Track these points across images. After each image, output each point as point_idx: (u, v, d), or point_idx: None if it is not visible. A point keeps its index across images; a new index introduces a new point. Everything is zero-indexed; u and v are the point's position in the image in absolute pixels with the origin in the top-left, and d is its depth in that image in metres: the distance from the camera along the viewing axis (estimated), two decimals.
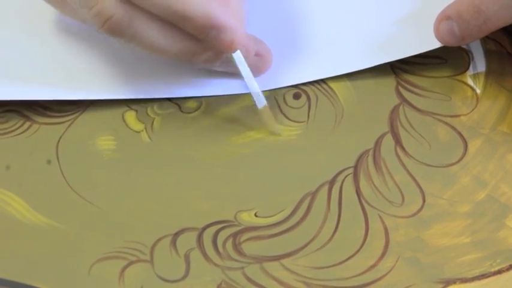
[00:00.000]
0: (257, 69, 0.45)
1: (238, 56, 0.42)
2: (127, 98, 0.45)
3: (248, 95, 0.44)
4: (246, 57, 0.43)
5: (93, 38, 0.46)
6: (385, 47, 0.46)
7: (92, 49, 0.46)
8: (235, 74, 0.44)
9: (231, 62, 0.43)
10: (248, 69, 0.43)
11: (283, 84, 0.46)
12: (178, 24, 0.40)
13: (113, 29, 0.40)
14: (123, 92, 0.45)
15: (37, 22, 0.47)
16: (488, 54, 0.47)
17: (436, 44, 0.45)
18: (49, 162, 0.43)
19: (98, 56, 0.46)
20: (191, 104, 0.45)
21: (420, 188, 0.41)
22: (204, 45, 0.42)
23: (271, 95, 0.45)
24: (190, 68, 0.45)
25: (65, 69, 0.46)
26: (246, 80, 0.43)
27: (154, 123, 0.44)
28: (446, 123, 0.44)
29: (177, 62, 0.44)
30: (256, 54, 0.45)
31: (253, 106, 0.44)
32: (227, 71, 0.45)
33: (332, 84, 0.46)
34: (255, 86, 0.43)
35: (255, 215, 0.41)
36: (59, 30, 0.47)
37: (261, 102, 0.43)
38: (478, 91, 0.45)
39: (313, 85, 0.46)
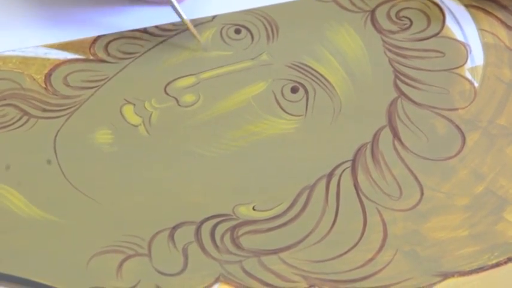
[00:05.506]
0: None
1: None
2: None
3: (245, 90, 0.44)
4: None
5: None
6: None
7: None
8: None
9: None
10: None
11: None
12: None
13: None
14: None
15: None
16: (486, 47, 0.47)
17: None
18: (49, 162, 0.43)
19: None
20: (189, 98, 0.45)
21: (418, 181, 0.41)
22: None
23: (269, 88, 0.45)
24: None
25: None
26: None
27: (152, 117, 0.44)
28: (444, 116, 0.44)
29: None
30: None
31: (250, 100, 0.44)
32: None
33: (330, 78, 0.46)
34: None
35: (253, 208, 0.41)
36: None
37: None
38: (476, 84, 0.45)
39: (311, 78, 0.46)
